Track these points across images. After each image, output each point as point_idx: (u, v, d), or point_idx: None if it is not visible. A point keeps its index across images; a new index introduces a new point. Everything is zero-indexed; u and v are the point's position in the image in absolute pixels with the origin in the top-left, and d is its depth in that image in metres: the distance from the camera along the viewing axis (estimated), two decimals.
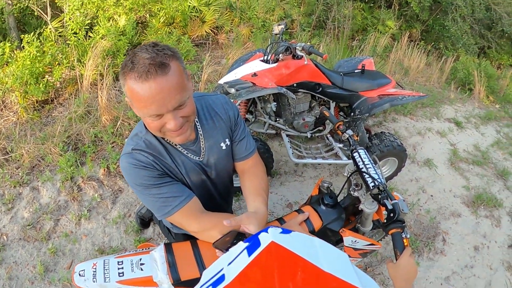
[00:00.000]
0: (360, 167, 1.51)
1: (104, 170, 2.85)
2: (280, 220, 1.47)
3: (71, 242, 2.40)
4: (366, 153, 1.58)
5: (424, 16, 6.94)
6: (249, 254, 0.69)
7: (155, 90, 0.92)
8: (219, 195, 1.43)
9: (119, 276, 1.17)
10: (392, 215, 1.30)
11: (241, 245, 0.75)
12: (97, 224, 2.53)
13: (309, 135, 2.98)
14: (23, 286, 2.19)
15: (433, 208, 3.23)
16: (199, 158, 1.24)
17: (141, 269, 1.19)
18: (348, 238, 1.47)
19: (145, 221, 2.01)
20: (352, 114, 2.87)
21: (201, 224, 1.18)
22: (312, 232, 1.47)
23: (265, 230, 0.75)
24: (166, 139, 1.16)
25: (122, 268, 1.18)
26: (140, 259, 1.22)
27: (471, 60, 6.72)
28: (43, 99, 3.55)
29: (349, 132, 1.70)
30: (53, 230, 2.46)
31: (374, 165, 1.52)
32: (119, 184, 2.81)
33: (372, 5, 7.17)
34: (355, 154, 1.59)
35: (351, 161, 2.80)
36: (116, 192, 2.76)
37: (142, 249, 1.33)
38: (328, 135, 3.11)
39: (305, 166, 3.26)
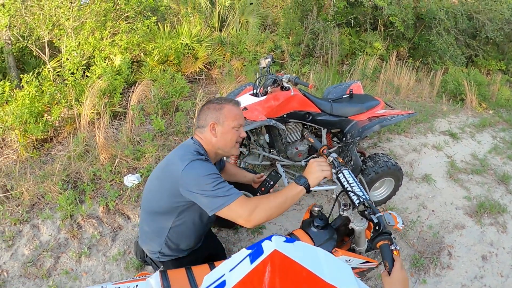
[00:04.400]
0: (345, 186, 1.55)
1: (103, 208, 2.89)
2: None
3: (72, 280, 2.40)
4: (351, 172, 1.63)
5: (409, 34, 7.10)
6: (252, 261, 0.70)
7: (240, 113, 1.70)
8: None
9: None
10: (377, 228, 1.33)
11: (244, 251, 0.75)
12: (97, 262, 2.54)
13: (303, 163, 3.02)
14: None
15: (436, 223, 3.22)
16: None
17: None
18: (342, 258, 1.50)
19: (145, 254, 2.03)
20: (344, 139, 2.93)
21: (254, 206, 1.43)
22: None
23: (269, 238, 0.76)
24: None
25: None
26: (137, 286, 1.26)
27: (460, 70, 6.84)
28: (42, 137, 3.64)
29: (333, 155, 1.75)
30: (53, 268, 2.47)
31: (358, 183, 1.56)
32: (118, 221, 2.84)
33: (358, 29, 7.38)
34: (340, 175, 1.63)
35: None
36: (115, 230, 2.78)
37: (140, 277, 1.38)
38: None
39: (303, 195, 3.24)
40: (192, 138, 1.71)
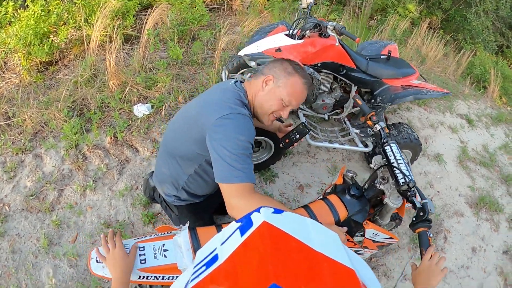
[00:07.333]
0: (392, 161, 1.49)
1: (111, 138, 2.72)
2: (306, 208, 1.44)
3: (76, 214, 2.29)
4: (398, 148, 1.56)
5: (446, 4, 6.71)
6: (242, 234, 0.69)
7: (302, 96, 1.49)
8: None
9: (141, 263, 1.09)
10: (422, 214, 1.29)
11: (234, 225, 0.74)
12: (103, 196, 2.41)
13: (326, 117, 2.88)
14: (26, 260, 2.07)
15: (439, 205, 3.22)
16: None
17: (165, 256, 1.12)
18: (370, 231, 1.48)
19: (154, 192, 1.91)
20: (373, 101, 2.76)
21: (250, 203, 1.22)
22: (338, 222, 1.44)
23: (257, 210, 0.75)
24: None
25: (144, 254, 1.11)
26: (163, 245, 1.15)
27: (489, 57, 6.56)
28: (47, 60, 3.36)
29: (381, 124, 1.66)
30: (57, 201, 2.34)
31: (405, 161, 1.49)
32: (126, 154, 2.68)
33: None
34: (387, 148, 1.57)
35: (367, 149, 2.75)
36: (123, 162, 2.62)
37: (164, 233, 1.25)
38: (346, 119, 3.00)
39: (318, 148, 3.17)
40: (235, 83, 1.50)
